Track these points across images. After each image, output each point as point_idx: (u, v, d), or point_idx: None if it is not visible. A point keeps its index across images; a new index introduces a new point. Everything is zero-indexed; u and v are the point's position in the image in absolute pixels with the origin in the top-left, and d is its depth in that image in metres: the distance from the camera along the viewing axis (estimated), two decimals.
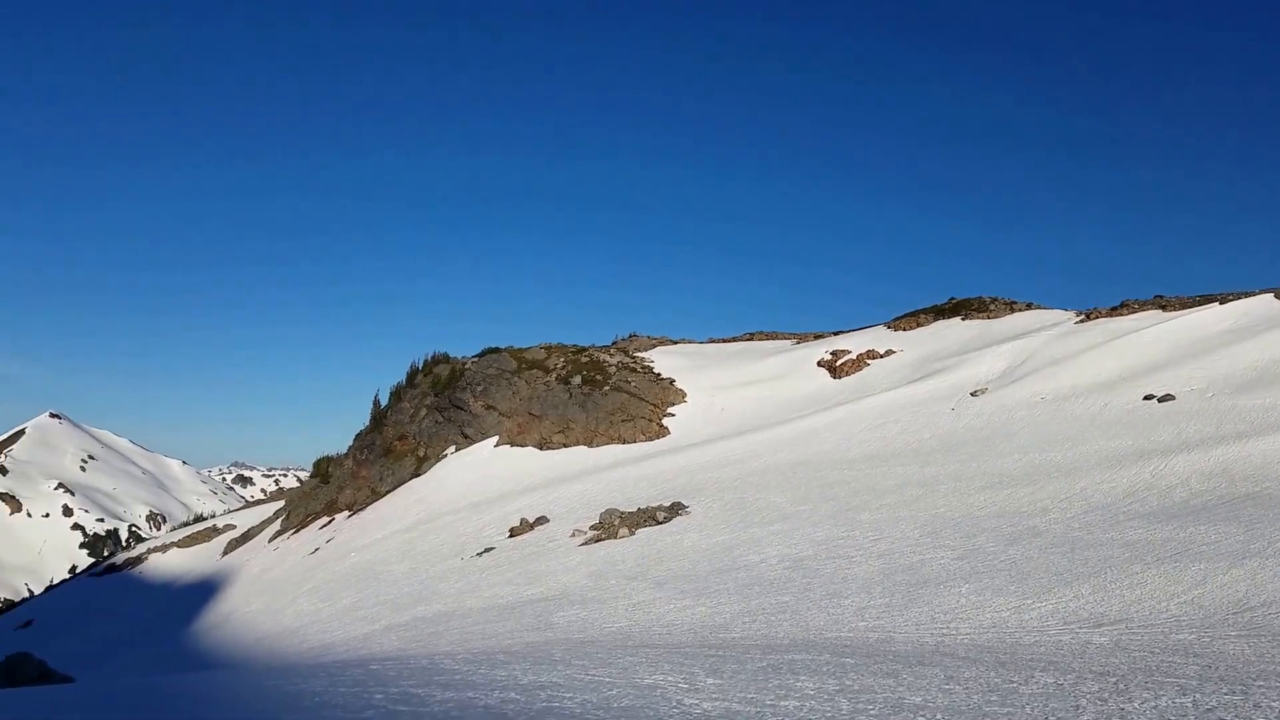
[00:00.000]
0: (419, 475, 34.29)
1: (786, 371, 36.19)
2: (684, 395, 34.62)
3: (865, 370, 34.18)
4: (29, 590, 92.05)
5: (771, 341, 44.64)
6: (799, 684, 5.74)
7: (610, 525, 17.18)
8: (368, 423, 40.60)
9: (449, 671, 7.22)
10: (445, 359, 40.85)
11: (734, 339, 47.44)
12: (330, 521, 34.64)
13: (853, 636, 8.30)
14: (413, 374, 40.94)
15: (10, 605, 64.07)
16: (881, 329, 39.49)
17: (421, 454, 36.00)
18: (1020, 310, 37.64)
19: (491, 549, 19.00)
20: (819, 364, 36.06)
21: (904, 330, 38.31)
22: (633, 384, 34.42)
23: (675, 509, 17.57)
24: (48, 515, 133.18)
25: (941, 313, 39.40)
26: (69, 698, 7.99)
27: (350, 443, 40.83)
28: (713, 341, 46.97)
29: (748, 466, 21.37)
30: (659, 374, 36.34)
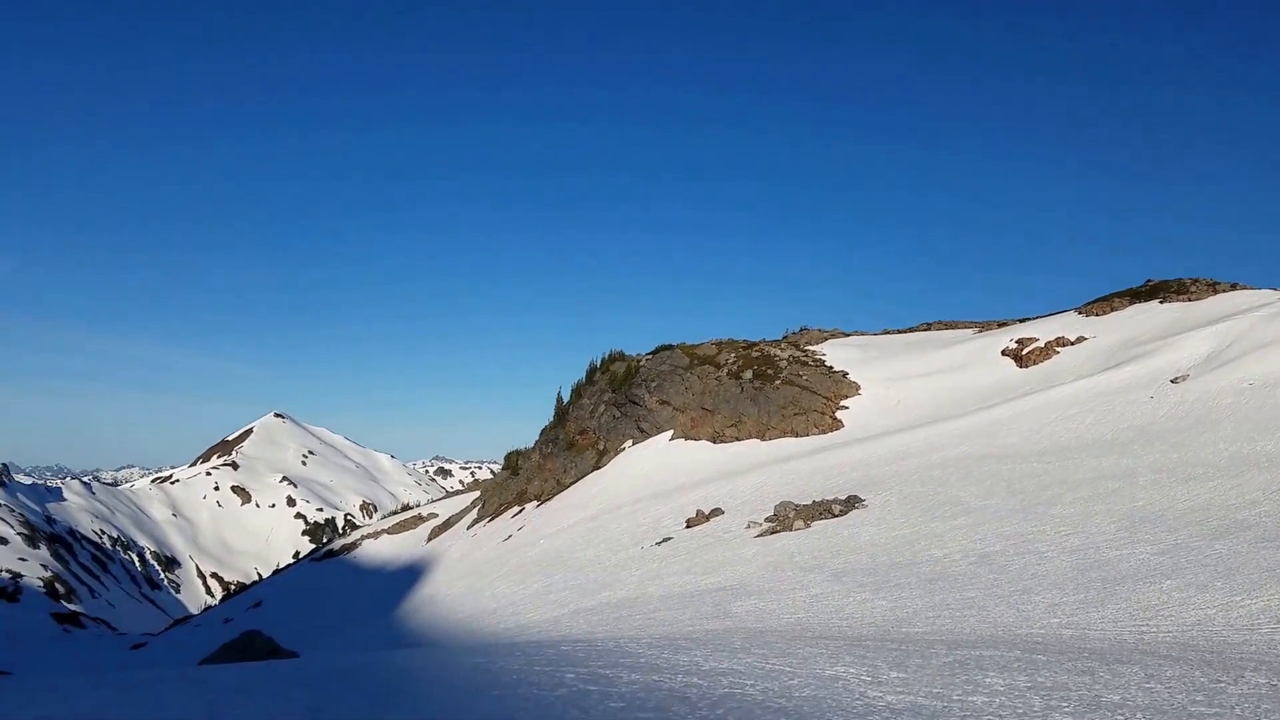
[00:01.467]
0: (599, 468, 35.50)
1: (967, 361, 34.60)
2: (858, 388, 33.89)
3: (1054, 358, 32.13)
4: (258, 574, 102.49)
5: (951, 331, 42.72)
6: (987, 680, 5.68)
7: (785, 517, 17.22)
8: (552, 418, 42.41)
9: (634, 655, 7.62)
10: (621, 356, 42.01)
11: (910, 329, 45.73)
12: (520, 511, 36.51)
13: (1044, 633, 8.03)
14: (591, 371, 42.39)
15: (243, 587, 71.72)
16: (1071, 315, 36.88)
17: (601, 447, 37.24)
18: (1224, 291, 34.06)
19: (669, 539, 19.48)
20: (1003, 353, 34.24)
21: (1096, 315, 35.63)
22: (804, 377, 34.06)
23: (851, 502, 17.36)
24: (274, 505, 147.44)
25: (1138, 296, 36.28)
26: (295, 672, 9.04)
27: (536, 437, 42.80)
28: (887, 333, 45.54)
29: (927, 460, 20.72)
30: (831, 367, 35.74)
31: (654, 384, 37.12)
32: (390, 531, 46.28)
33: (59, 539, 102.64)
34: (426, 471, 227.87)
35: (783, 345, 39.43)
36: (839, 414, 32.16)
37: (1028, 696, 5.17)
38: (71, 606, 65.76)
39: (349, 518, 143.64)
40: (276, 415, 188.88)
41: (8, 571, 68.26)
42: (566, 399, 42.50)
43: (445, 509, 48.00)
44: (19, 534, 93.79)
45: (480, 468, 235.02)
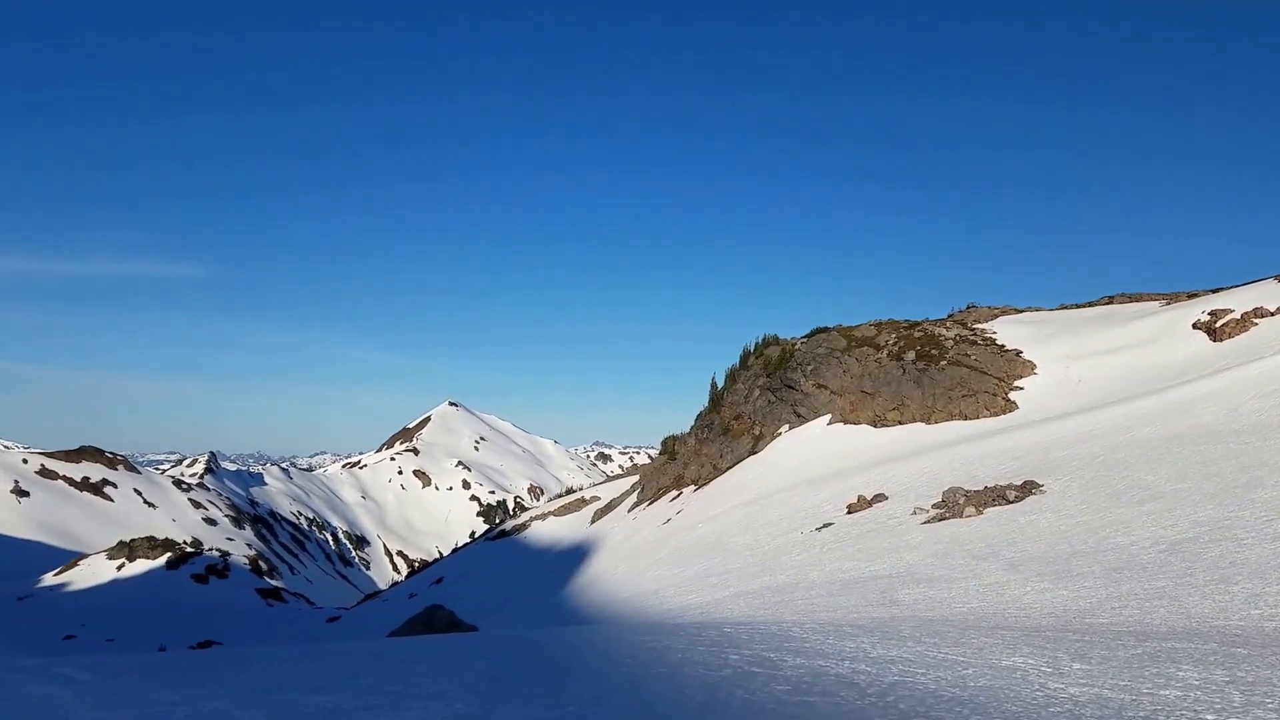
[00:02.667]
0: (755, 453, 35.36)
1: (1154, 336, 31.93)
2: (1033, 367, 32.02)
3: (1253, 330, 29.12)
4: (439, 552, 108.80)
5: (1135, 304, 39.50)
6: (1180, 673, 5.33)
7: (955, 503, 16.58)
8: (707, 404, 42.60)
9: (798, 639, 7.61)
10: (775, 340, 41.59)
11: (1089, 304, 42.62)
12: (679, 495, 36.95)
13: (1244, 625, 7.38)
14: (745, 356, 42.21)
15: (425, 564, 76.34)
16: (1272, 283, 33.24)
17: (757, 432, 37.06)
18: None
19: (830, 524, 19.19)
20: (1194, 326, 31.36)
21: None
22: (973, 357, 32.52)
23: (1028, 488, 16.49)
24: (451, 488, 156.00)
25: None
26: (476, 644, 9.58)
27: (692, 422, 43.12)
28: (1064, 308, 42.64)
29: (1111, 442, 19.35)
30: (1002, 345, 33.92)
31: (810, 367, 36.53)
32: (556, 514, 47.98)
33: (261, 520, 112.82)
34: (588, 456, 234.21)
35: (948, 324, 37.79)
36: (1012, 395, 30.53)
37: (1226, 691, 4.81)
38: (274, 582, 72.02)
39: (518, 500, 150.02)
40: (451, 404, 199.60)
41: (217, 550, 75.67)
42: (721, 384, 42.54)
43: (607, 492, 49.26)
44: (226, 516, 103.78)
45: (638, 453, 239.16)
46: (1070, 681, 5.23)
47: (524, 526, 48.10)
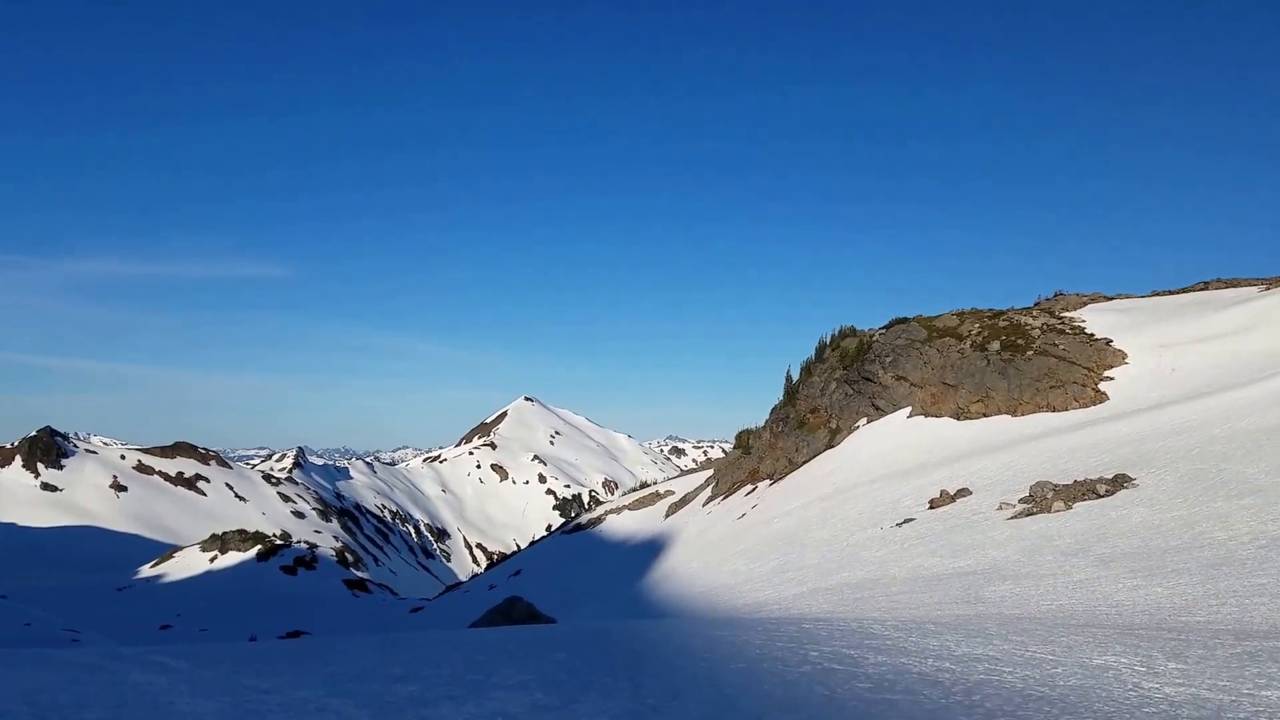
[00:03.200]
0: (832, 446, 34.89)
1: (1253, 323, 30.31)
2: (1124, 356, 30.79)
3: None
4: (516, 545, 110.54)
5: (1231, 290, 37.54)
6: None
7: (1042, 498, 16.08)
8: (781, 397, 42.22)
9: (879, 636, 7.49)
10: (852, 332, 40.94)
11: (1183, 290, 40.71)
12: (754, 489, 36.74)
13: None
14: (821, 348, 41.67)
15: (504, 557, 77.69)
16: None
17: (834, 426, 36.56)
18: None
19: (911, 520, 18.83)
20: None
21: None
22: (1060, 346, 31.44)
23: (1119, 481, 15.88)
24: (527, 482, 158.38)
25: None
26: (554, 635, 9.70)
27: (766, 416, 42.81)
28: (1156, 295, 40.83)
29: (1207, 434, 18.48)
30: (1091, 334, 32.69)
31: (889, 359, 35.85)
32: (631, 508, 48.25)
33: (347, 513, 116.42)
34: (661, 450, 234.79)
35: (1034, 313, 36.60)
36: (1102, 385, 29.43)
37: None
38: (359, 574, 74.27)
39: (592, 494, 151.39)
40: (527, 399, 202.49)
41: (305, 542, 78.35)
42: (796, 377, 42.10)
43: (680, 487, 49.31)
44: (314, 509, 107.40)
45: (712, 446, 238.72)
46: (1165, 681, 5.04)
47: (599, 520, 48.52)
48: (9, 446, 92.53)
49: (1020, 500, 16.88)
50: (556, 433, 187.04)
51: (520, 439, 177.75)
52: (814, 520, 23.63)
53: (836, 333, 41.73)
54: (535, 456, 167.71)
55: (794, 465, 36.06)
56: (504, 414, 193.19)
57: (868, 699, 4.95)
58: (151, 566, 65.20)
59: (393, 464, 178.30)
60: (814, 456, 35.25)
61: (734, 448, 45.56)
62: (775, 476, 36.51)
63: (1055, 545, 13.10)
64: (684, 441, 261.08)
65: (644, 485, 62.80)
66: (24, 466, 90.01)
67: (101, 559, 71.32)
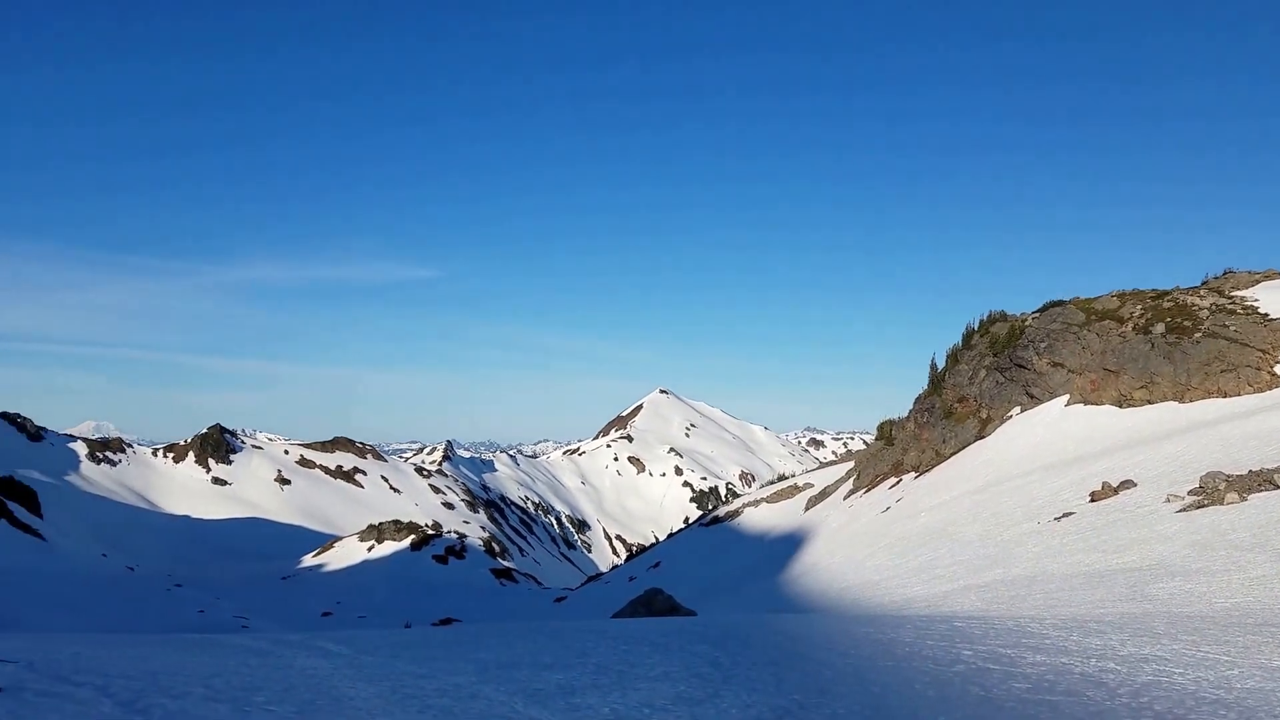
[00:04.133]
0: (983, 437, 33.45)
1: None
2: None
3: None
4: (655, 537, 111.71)
5: None
6: None
7: (1214, 490, 14.88)
8: (926, 386, 40.79)
9: (1037, 635, 7.18)
10: (1002, 316, 39.05)
11: None
12: (898, 482, 35.72)
13: None
14: (968, 335, 39.96)
15: (642, 549, 78.70)
16: None
17: (984, 415, 35.04)
18: None
19: (1070, 514, 17.84)
20: None
21: None
22: (1231, 328, 28.92)
23: None
24: (664, 475, 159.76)
25: None
26: (695, 627, 9.76)
27: (910, 406, 41.48)
28: None
29: None
30: (1266, 314, 29.87)
31: (1043, 344, 33.99)
32: (768, 500, 47.87)
33: (493, 504, 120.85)
34: (799, 442, 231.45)
35: (1202, 292, 33.81)
36: (1278, 369, 26.93)
37: None
38: (505, 563, 77.00)
39: (729, 486, 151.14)
40: (662, 391, 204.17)
41: (455, 532, 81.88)
42: (941, 365, 40.57)
43: (820, 479, 48.50)
44: (462, 500, 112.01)
45: (852, 438, 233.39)
46: None
47: (736, 513, 48.37)
48: (183, 443, 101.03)
49: (1189, 492, 15.70)
50: (692, 425, 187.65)
51: (656, 431, 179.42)
52: (963, 515, 22.77)
53: (985, 318, 39.89)
54: (671, 449, 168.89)
55: (941, 457, 34.81)
56: (640, 407, 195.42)
57: (1026, 699, 4.77)
58: (313, 556, 69.81)
59: (534, 457, 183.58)
60: (963, 448, 33.91)
61: (876, 439, 44.42)
62: (921, 469, 35.36)
63: (1229, 540, 12.14)
64: (822, 433, 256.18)
65: (781, 478, 62.17)
66: (196, 462, 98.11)
67: (267, 549, 76.90)
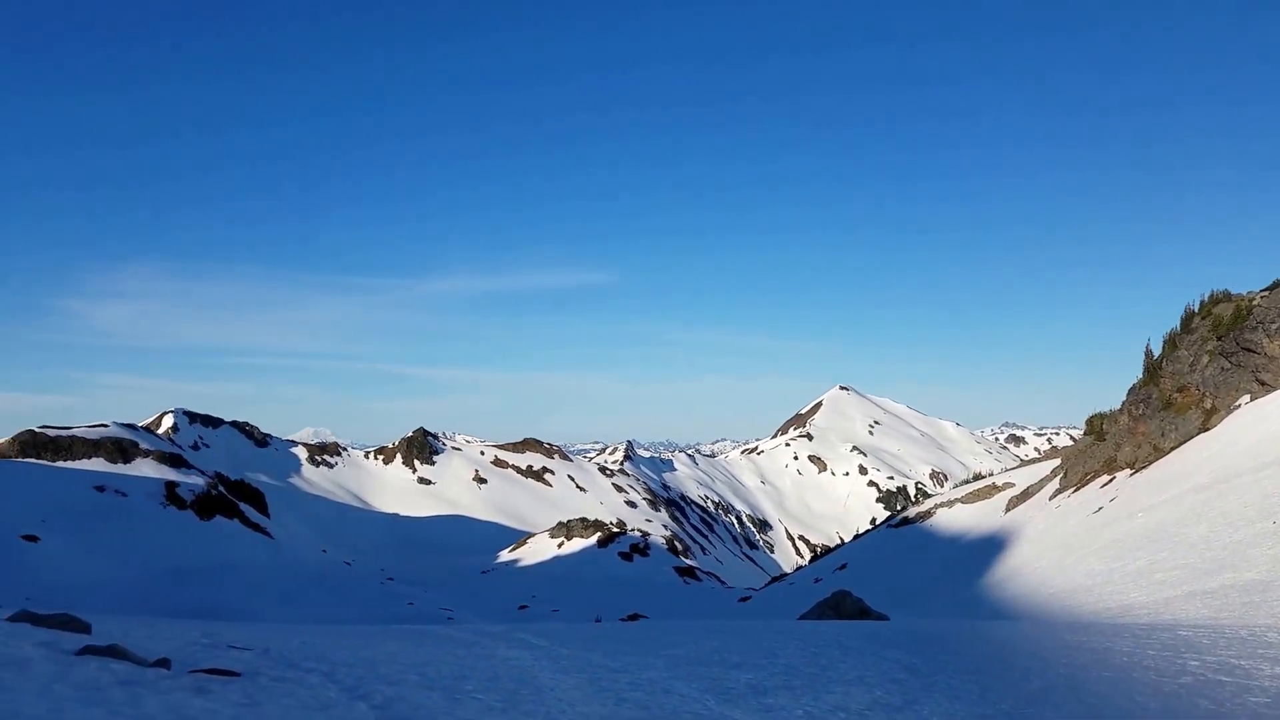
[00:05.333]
0: (1207, 429, 30.38)
1: None
2: None
3: None
4: (839, 537, 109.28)
5: None
6: None
7: None
8: (1141, 375, 37.52)
9: (1276, 646, 6.49)
10: (1226, 296, 35.27)
11: None
12: (1110, 480, 33.11)
13: None
14: (1188, 318, 36.37)
15: (827, 550, 77.10)
16: None
17: (1207, 405, 31.81)
18: None
19: None
20: None
21: None
22: None
23: None
24: (847, 474, 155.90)
25: None
26: (888, 632, 9.48)
27: (1123, 397, 38.30)
28: None
29: None
30: None
31: (1274, 325, 30.44)
32: (964, 501, 45.63)
33: (673, 503, 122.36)
34: (996, 439, 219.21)
35: None
36: None
37: None
38: (688, 561, 77.73)
39: (919, 486, 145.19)
40: (842, 388, 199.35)
41: (639, 530, 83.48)
42: (1158, 352, 37.17)
43: (1021, 478, 45.69)
44: (644, 499, 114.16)
45: (1057, 433, 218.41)
46: None
47: (928, 514, 46.39)
48: (391, 446, 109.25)
49: None
50: (876, 422, 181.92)
51: (837, 429, 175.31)
52: (1187, 514, 20.80)
53: (1207, 298, 36.15)
54: (854, 447, 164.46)
55: (1159, 452, 31.91)
56: (819, 404, 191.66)
57: (1264, 715, 4.33)
58: (509, 551, 73.43)
59: (712, 456, 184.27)
60: (1184, 442, 30.94)
61: (1085, 434, 41.32)
62: (1137, 465, 32.57)
63: None
64: (1023, 429, 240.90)
65: (978, 477, 59.12)
66: (404, 463, 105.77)
67: (467, 544, 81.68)
